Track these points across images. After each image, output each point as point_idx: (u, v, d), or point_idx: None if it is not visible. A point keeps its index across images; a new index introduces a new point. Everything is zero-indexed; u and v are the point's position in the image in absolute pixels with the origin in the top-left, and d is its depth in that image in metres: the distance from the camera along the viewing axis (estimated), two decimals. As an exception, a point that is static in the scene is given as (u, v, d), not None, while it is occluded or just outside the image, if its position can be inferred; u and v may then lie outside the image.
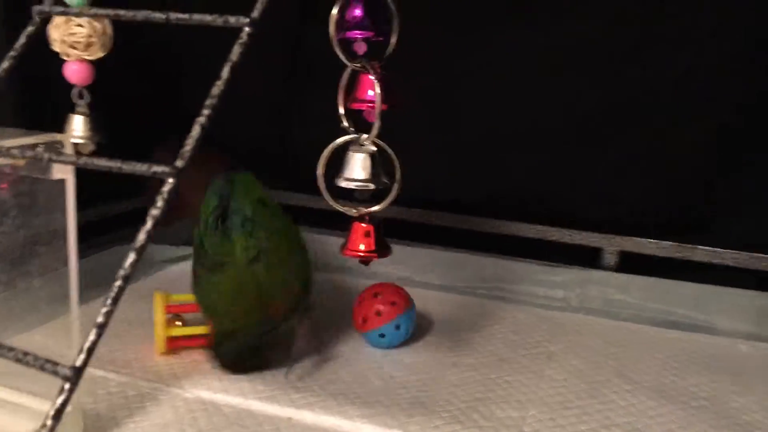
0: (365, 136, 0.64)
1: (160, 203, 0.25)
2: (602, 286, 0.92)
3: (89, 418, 0.60)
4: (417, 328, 0.80)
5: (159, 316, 0.72)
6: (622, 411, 0.67)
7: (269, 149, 1.09)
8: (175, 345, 0.74)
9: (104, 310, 0.23)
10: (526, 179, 0.96)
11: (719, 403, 0.69)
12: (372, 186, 0.64)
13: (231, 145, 0.99)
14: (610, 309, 0.91)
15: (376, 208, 0.67)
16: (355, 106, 0.65)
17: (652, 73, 0.87)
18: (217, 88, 0.27)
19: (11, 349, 0.25)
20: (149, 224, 0.25)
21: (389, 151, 0.65)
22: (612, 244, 0.93)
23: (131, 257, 0.24)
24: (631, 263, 0.93)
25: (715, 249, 0.88)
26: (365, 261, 0.68)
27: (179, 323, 0.74)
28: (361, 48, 0.63)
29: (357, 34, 0.63)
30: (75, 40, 0.71)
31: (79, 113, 0.75)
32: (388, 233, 0.70)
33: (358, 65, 0.65)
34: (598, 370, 0.75)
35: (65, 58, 0.73)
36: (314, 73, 0.98)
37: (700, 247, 0.89)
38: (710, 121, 0.86)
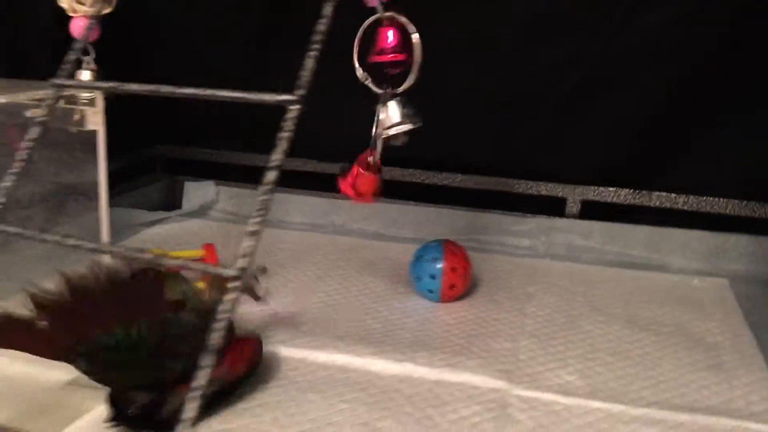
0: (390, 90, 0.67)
1: (289, 126, 0.28)
2: (566, 233, 0.99)
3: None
4: (400, 279, 0.85)
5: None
6: (602, 339, 0.74)
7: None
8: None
9: (256, 220, 0.26)
10: (497, 138, 1.01)
11: (685, 329, 0.77)
12: (414, 124, 0.67)
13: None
14: (574, 254, 0.98)
15: None
16: (377, 59, 0.65)
17: (614, 34, 0.92)
18: (322, 25, 0.30)
19: (177, 257, 0.27)
20: (283, 145, 0.27)
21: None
22: (575, 194, 0.99)
23: (271, 174, 0.27)
24: (592, 210, 0.99)
25: (669, 194, 0.96)
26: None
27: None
28: None
29: None
30: (82, -4, 0.71)
31: (86, 69, 0.74)
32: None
33: (385, 13, 0.64)
34: (573, 305, 0.82)
35: (71, 14, 0.72)
36: (284, 36, 1.00)
37: (656, 193, 0.96)
38: (663, 76, 0.92)
